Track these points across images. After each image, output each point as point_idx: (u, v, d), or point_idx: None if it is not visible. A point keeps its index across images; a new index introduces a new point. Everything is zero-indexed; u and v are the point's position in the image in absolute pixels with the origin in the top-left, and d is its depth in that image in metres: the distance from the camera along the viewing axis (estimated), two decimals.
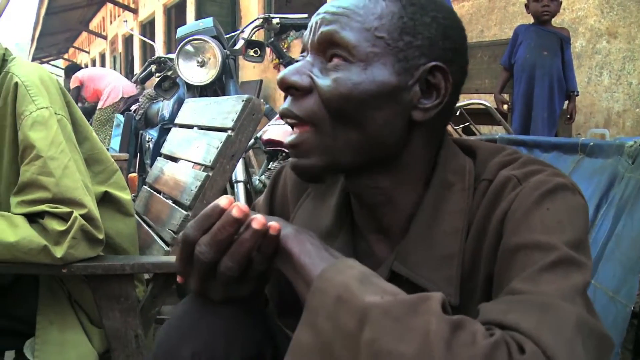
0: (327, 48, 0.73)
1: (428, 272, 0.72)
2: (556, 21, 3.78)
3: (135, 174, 3.95)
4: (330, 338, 0.58)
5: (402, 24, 0.72)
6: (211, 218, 0.68)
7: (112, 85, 5.93)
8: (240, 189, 2.22)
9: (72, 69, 7.98)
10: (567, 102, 3.68)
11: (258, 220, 0.66)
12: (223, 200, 0.68)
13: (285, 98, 0.78)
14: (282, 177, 0.96)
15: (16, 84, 1.27)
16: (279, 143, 2.80)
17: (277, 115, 2.98)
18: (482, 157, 0.78)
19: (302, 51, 0.79)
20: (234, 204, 0.67)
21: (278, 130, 2.83)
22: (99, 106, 5.85)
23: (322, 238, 0.73)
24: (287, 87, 0.74)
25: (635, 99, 3.98)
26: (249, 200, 2.29)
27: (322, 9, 0.76)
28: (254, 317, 0.76)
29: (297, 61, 0.78)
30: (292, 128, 0.76)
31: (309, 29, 0.77)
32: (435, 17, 0.74)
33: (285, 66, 2.93)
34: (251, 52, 2.50)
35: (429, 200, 0.75)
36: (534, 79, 3.58)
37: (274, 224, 0.68)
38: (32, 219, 1.22)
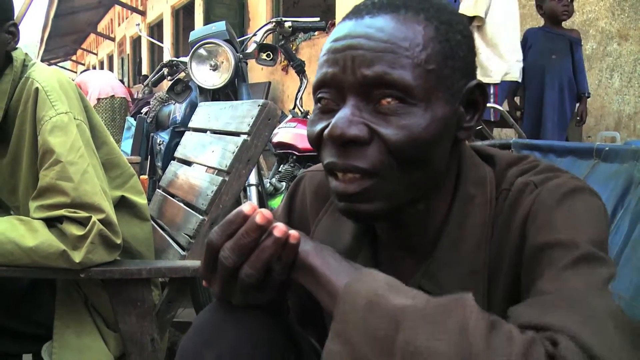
0: (375, 88, 0.68)
1: (455, 289, 0.72)
2: (567, 23, 3.77)
3: (145, 177, 3.97)
4: (361, 345, 0.58)
5: (442, 48, 0.69)
6: (235, 224, 0.68)
7: (93, 87, 5.93)
8: (252, 192, 2.22)
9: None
10: (577, 104, 3.67)
11: (279, 228, 0.67)
12: (246, 207, 0.68)
13: (318, 144, 0.73)
14: (300, 189, 0.96)
15: (37, 89, 1.28)
16: (289, 146, 2.81)
17: (288, 118, 2.99)
18: (500, 166, 0.78)
19: (323, 86, 0.72)
20: (257, 210, 0.68)
21: (288, 133, 2.84)
22: None
23: (343, 254, 0.73)
24: (346, 142, 0.68)
25: None
26: (262, 203, 2.30)
27: (351, 40, 0.69)
28: (277, 323, 0.76)
29: (321, 97, 0.73)
30: (342, 175, 0.71)
31: (337, 64, 0.70)
32: (462, 32, 0.73)
33: (295, 69, 2.94)
34: (264, 56, 2.50)
35: (454, 216, 0.76)
36: (543, 83, 3.57)
37: (293, 232, 0.68)
38: (51, 223, 1.23)
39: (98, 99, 5.86)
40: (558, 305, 0.58)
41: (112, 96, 5.94)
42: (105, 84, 6.03)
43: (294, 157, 2.81)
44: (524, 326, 0.56)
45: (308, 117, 2.98)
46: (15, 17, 1.37)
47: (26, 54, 1.39)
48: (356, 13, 0.72)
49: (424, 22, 0.70)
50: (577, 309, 0.57)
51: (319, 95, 0.73)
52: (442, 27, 0.70)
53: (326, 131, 0.70)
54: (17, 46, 1.37)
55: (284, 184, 2.73)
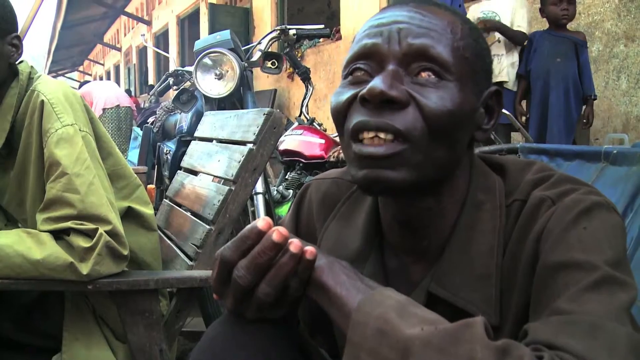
0: (416, 61, 0.71)
1: (466, 293, 0.72)
2: (572, 25, 3.75)
3: (152, 186, 3.98)
4: None
5: (473, 47, 0.74)
6: (249, 240, 0.67)
7: (97, 98, 5.96)
8: (259, 200, 2.22)
9: (81, 86, 8.07)
10: (584, 106, 3.65)
11: (295, 243, 0.66)
12: (261, 222, 0.67)
13: (346, 110, 0.73)
14: (307, 197, 0.95)
15: (42, 101, 1.28)
16: (296, 153, 2.80)
17: (294, 126, 2.99)
18: (512, 174, 0.78)
19: (362, 57, 0.74)
20: (273, 227, 0.67)
21: (295, 141, 2.84)
22: None
23: (351, 260, 0.73)
24: (385, 100, 0.69)
25: None
26: (269, 211, 2.29)
27: (397, 17, 0.73)
28: (288, 336, 0.76)
29: (355, 69, 0.74)
30: (370, 138, 0.71)
31: (380, 36, 0.72)
32: (486, 44, 0.77)
33: (300, 76, 2.95)
34: (269, 64, 2.50)
35: (464, 220, 0.75)
36: (548, 86, 3.55)
37: (310, 248, 0.67)
38: (58, 235, 1.23)
39: (104, 109, 5.89)
40: (577, 328, 0.57)
41: (118, 106, 5.97)
42: (110, 94, 6.06)
43: (301, 164, 2.81)
44: (540, 343, 0.56)
45: (314, 124, 2.99)
46: (19, 31, 1.37)
47: (32, 66, 1.39)
48: (397, 4, 0.76)
49: (460, 20, 0.75)
50: (597, 335, 0.56)
51: (354, 66, 0.74)
52: (473, 31, 0.76)
53: (363, 91, 0.70)
54: (22, 59, 1.38)
55: (290, 191, 2.72)
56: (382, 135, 0.69)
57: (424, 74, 0.70)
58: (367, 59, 0.73)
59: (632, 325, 0.60)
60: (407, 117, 0.69)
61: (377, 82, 0.69)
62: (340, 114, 0.74)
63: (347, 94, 0.73)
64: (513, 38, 3.55)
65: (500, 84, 3.56)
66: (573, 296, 0.61)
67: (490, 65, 0.78)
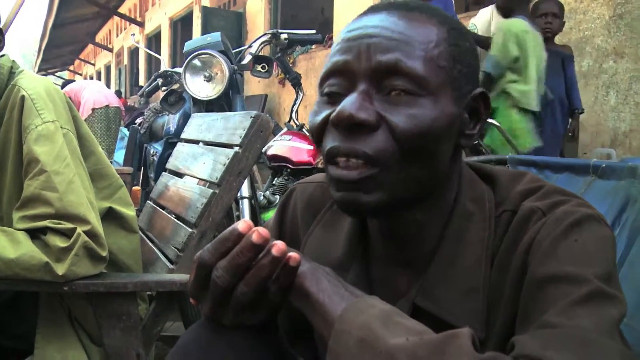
0: (386, 77, 0.68)
1: (452, 306, 0.70)
2: (562, 40, 3.78)
3: (138, 188, 3.94)
4: None
5: (452, 51, 0.70)
6: (229, 242, 0.66)
7: (86, 97, 5.92)
8: (245, 205, 2.20)
9: (65, 85, 8.00)
10: (570, 120, 3.67)
11: (278, 247, 0.64)
12: (241, 224, 0.65)
13: (321, 131, 0.71)
14: (292, 201, 0.93)
15: (23, 97, 1.25)
16: (283, 159, 2.79)
17: (283, 131, 2.97)
18: (502, 185, 0.76)
19: (334, 74, 0.72)
20: (253, 228, 0.65)
21: (283, 146, 2.82)
22: None
23: (334, 268, 0.71)
24: (354, 124, 0.67)
25: None
26: (254, 216, 2.27)
27: (367, 30, 0.70)
28: (266, 343, 0.73)
29: (328, 86, 0.71)
30: (343, 161, 0.69)
31: (350, 52, 0.70)
32: (469, 40, 0.74)
33: (291, 82, 2.93)
34: (259, 68, 2.49)
35: (451, 231, 0.73)
36: None
37: (294, 254, 0.65)
38: (35, 234, 1.20)
39: (93, 109, 5.84)
40: (567, 342, 0.56)
41: (107, 106, 5.93)
42: (98, 93, 6.02)
43: (288, 170, 2.79)
44: (527, 357, 0.55)
45: (303, 130, 2.97)
46: (2, 24, 1.34)
47: (14, 61, 1.36)
48: (372, 9, 0.73)
49: (437, 24, 0.71)
50: (587, 350, 0.55)
51: (328, 84, 0.72)
52: (453, 32, 0.72)
53: (333, 115, 0.68)
54: (4, 53, 1.35)
55: (277, 197, 2.70)
56: (353, 160, 0.68)
57: (395, 92, 0.68)
58: (339, 77, 0.71)
59: (622, 342, 0.58)
60: (377, 139, 0.67)
61: (346, 105, 0.67)
62: (316, 135, 0.73)
63: (322, 114, 0.71)
64: (481, 43, 3.53)
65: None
66: (562, 309, 0.59)
67: (476, 65, 0.74)
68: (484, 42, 3.58)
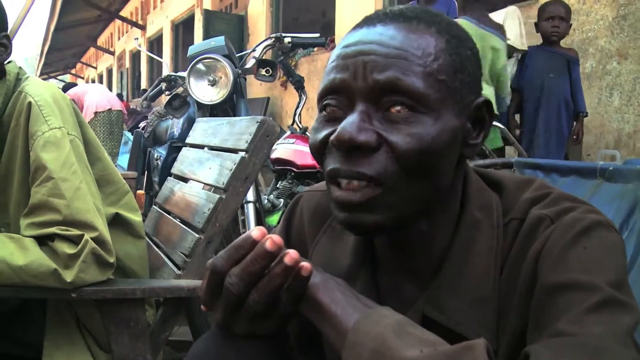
0: (385, 95, 0.66)
1: (462, 317, 0.69)
2: (566, 42, 3.77)
3: (142, 192, 3.93)
4: None
5: (452, 61, 0.68)
6: (242, 249, 0.66)
7: (89, 101, 5.92)
8: (250, 209, 2.19)
9: (67, 88, 7.99)
10: (574, 122, 3.67)
11: (291, 256, 0.64)
12: (255, 232, 0.65)
13: (322, 151, 0.70)
14: (298, 210, 0.93)
15: (30, 103, 1.25)
16: (287, 162, 2.78)
17: (286, 134, 2.96)
18: (509, 192, 0.75)
19: (331, 92, 0.70)
20: (267, 236, 0.65)
21: (287, 150, 2.82)
22: None
23: (342, 278, 0.70)
24: (354, 147, 0.66)
25: None
26: (259, 220, 2.27)
27: (362, 46, 0.68)
28: (276, 353, 0.73)
29: (327, 104, 0.70)
30: (345, 183, 0.68)
31: (347, 70, 0.68)
32: (471, 48, 0.72)
33: (294, 85, 2.93)
34: (263, 72, 2.48)
35: (459, 240, 0.73)
36: (540, 101, 3.56)
37: (305, 264, 0.65)
38: (42, 241, 1.20)
39: (95, 113, 5.84)
40: (581, 351, 0.55)
41: (110, 109, 5.92)
42: (101, 97, 6.02)
43: (292, 173, 2.78)
44: None
45: (307, 133, 2.97)
46: (9, 30, 1.34)
47: (20, 67, 1.36)
48: (367, 22, 0.71)
49: (435, 34, 0.68)
50: (601, 358, 0.54)
51: (326, 102, 0.71)
52: (452, 41, 0.69)
53: (333, 136, 0.67)
54: (11, 59, 1.35)
55: (281, 200, 2.70)
56: (355, 182, 0.67)
57: (394, 109, 0.66)
58: (336, 95, 0.69)
59: (636, 349, 0.57)
60: (379, 161, 0.66)
61: (346, 126, 0.66)
62: (318, 154, 0.72)
63: (322, 133, 0.70)
64: None
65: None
66: (575, 318, 0.59)
67: (478, 72, 0.72)
68: None
